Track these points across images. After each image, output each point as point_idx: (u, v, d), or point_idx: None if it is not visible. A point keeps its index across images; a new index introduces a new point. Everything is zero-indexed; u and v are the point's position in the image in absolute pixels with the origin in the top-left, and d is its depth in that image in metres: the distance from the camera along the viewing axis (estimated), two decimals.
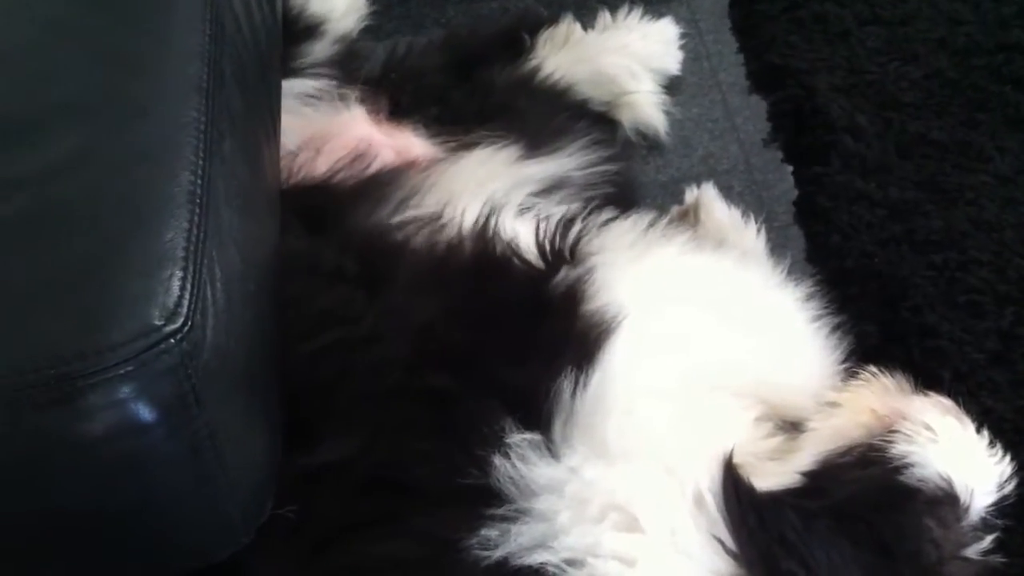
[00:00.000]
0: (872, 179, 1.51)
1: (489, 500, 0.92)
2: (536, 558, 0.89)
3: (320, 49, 1.47)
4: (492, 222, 1.12)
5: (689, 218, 1.49)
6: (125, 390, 0.71)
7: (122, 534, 0.80)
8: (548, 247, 1.10)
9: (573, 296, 1.03)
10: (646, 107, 1.61)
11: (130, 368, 0.71)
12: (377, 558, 0.93)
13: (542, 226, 1.13)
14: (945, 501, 0.97)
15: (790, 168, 1.61)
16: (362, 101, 1.41)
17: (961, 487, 0.97)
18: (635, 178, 1.54)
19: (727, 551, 0.90)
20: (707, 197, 1.50)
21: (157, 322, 0.72)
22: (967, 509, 0.98)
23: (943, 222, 1.48)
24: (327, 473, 0.97)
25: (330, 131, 1.33)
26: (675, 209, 1.52)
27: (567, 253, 1.10)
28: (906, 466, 0.97)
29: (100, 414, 0.71)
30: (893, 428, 1.00)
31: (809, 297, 1.21)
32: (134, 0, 0.92)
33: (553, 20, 1.62)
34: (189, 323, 0.73)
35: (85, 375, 0.70)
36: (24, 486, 0.74)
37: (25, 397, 0.69)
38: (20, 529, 0.77)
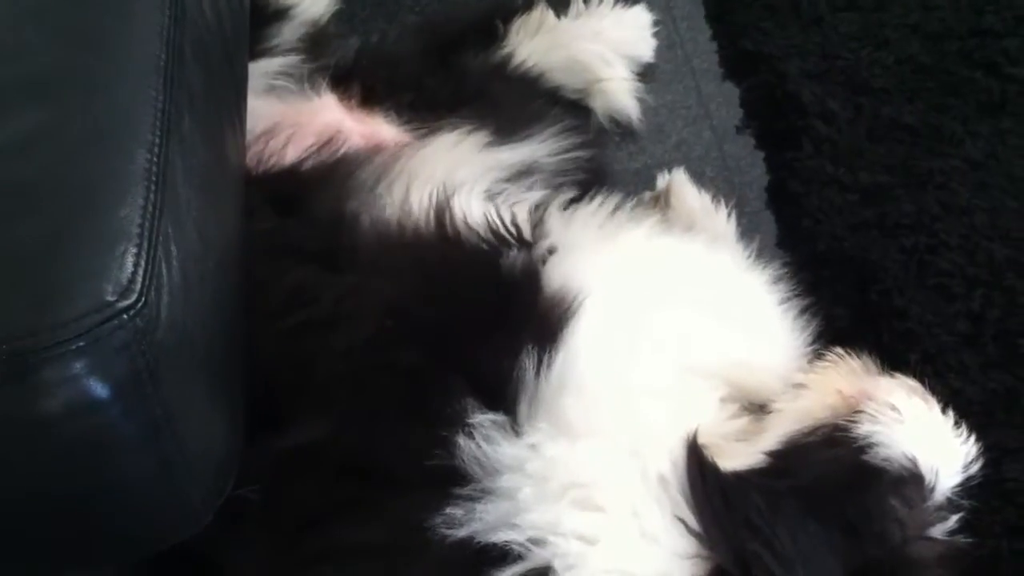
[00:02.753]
0: (843, 164, 1.53)
1: (455, 480, 0.93)
2: (501, 536, 0.90)
3: (289, 32, 1.47)
4: (458, 205, 1.13)
5: (661, 203, 1.50)
6: (78, 366, 0.70)
7: (78, 515, 0.80)
8: (514, 230, 1.11)
9: (537, 277, 1.05)
10: (619, 94, 1.62)
11: (83, 344, 0.70)
12: (350, 544, 0.94)
13: (509, 210, 1.14)
14: (910, 481, 0.98)
15: (763, 154, 1.63)
16: (333, 88, 1.41)
17: (926, 467, 0.99)
18: (608, 165, 1.54)
19: (691, 532, 0.92)
20: (678, 182, 1.52)
21: (110, 298, 0.71)
22: (932, 489, 0.99)
23: (914, 206, 1.49)
24: (299, 456, 0.98)
25: (300, 117, 1.33)
26: (647, 195, 1.54)
27: (532, 236, 1.11)
28: (871, 446, 0.98)
29: (53, 391, 0.70)
30: (859, 409, 1.02)
31: (777, 280, 1.22)
32: None
33: (527, 7, 1.62)
34: (143, 299, 0.73)
35: (37, 351, 0.69)
36: None
37: None
38: None
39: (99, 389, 0.71)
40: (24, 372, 0.69)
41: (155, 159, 0.80)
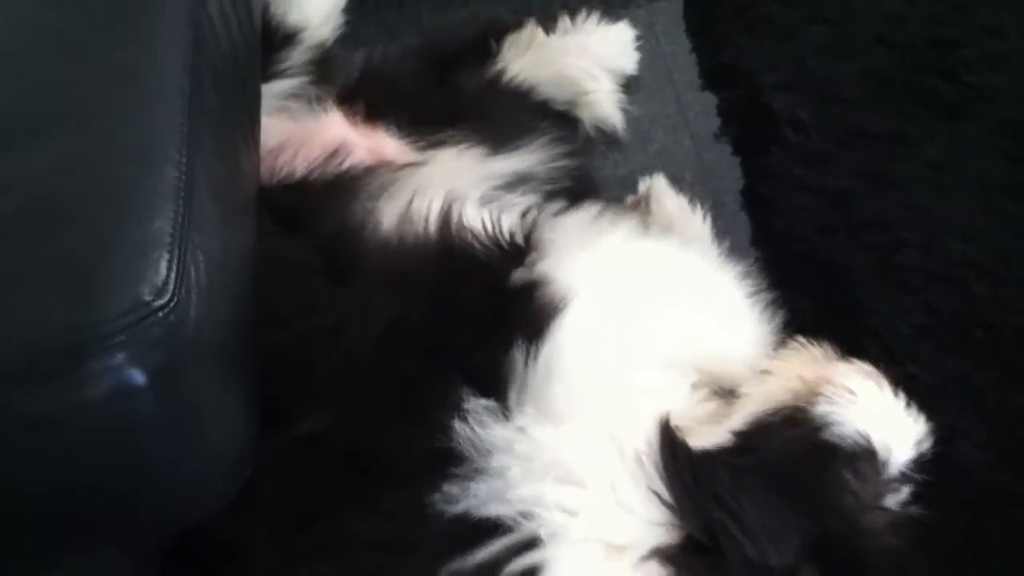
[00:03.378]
0: (812, 169, 1.57)
1: (451, 461, 0.98)
2: (493, 510, 0.96)
3: (298, 55, 1.53)
4: (456, 214, 1.17)
5: (642, 207, 1.55)
6: (120, 357, 0.77)
7: (116, 489, 0.86)
8: (508, 236, 1.16)
9: (528, 280, 1.10)
10: (605, 105, 1.67)
11: (124, 338, 0.77)
12: (352, 534, 0.99)
13: (503, 217, 1.19)
14: (863, 456, 1.03)
15: (738, 160, 1.67)
16: (339, 105, 1.45)
17: (879, 444, 1.04)
18: (594, 172, 1.59)
19: (664, 503, 0.97)
20: (658, 187, 1.57)
21: (147, 298, 0.78)
22: (885, 464, 1.04)
23: (876, 207, 1.53)
24: (304, 449, 1.03)
25: (309, 133, 1.38)
26: (629, 199, 1.59)
27: (524, 241, 1.16)
28: (827, 425, 1.04)
29: (100, 379, 0.77)
30: (818, 392, 1.07)
31: (747, 275, 1.27)
32: (122, 15, 0.96)
33: (518, 26, 1.67)
34: (175, 299, 0.79)
35: (86, 344, 0.76)
36: (36, 443, 0.79)
37: (38, 365, 0.76)
38: (30, 483, 0.83)
39: (137, 377, 0.78)
40: (75, 363, 0.76)
41: (182, 176, 0.86)
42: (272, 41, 1.50)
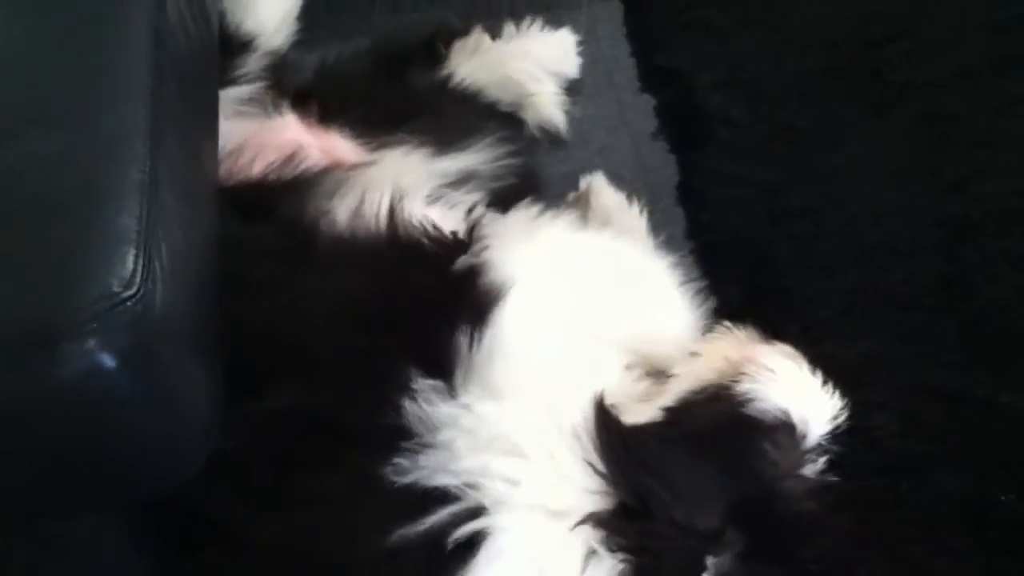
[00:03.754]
0: (742, 163, 1.63)
1: (401, 436, 1.03)
2: (440, 480, 1.01)
3: (254, 61, 1.58)
4: (404, 210, 1.22)
5: (583, 203, 1.61)
6: (92, 343, 0.82)
7: (93, 461, 0.91)
8: (452, 230, 1.21)
9: (471, 269, 1.15)
10: (548, 107, 1.73)
11: (95, 325, 0.82)
12: (313, 489, 1.04)
13: (448, 212, 1.25)
14: (782, 429, 1.10)
15: (675, 157, 1.72)
16: (294, 108, 1.49)
17: (797, 418, 1.10)
18: (538, 170, 1.64)
19: (598, 473, 1.02)
20: (597, 184, 1.62)
21: (116, 289, 0.83)
22: (803, 436, 1.11)
23: (801, 198, 1.60)
24: (271, 418, 1.08)
25: (265, 136, 1.42)
26: (571, 195, 1.64)
27: (469, 234, 1.21)
28: (749, 401, 1.10)
29: (73, 362, 0.81)
30: (741, 371, 1.13)
31: (678, 264, 1.33)
32: (86, 21, 1.00)
33: (465, 31, 1.72)
34: (142, 290, 0.84)
35: (59, 330, 0.81)
36: (14, 422, 0.83)
37: (15, 348, 0.80)
38: (12, 459, 0.88)
39: (108, 360, 0.83)
40: (48, 347, 0.81)
41: (146, 174, 0.90)
42: (229, 48, 1.54)
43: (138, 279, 0.85)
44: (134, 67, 0.98)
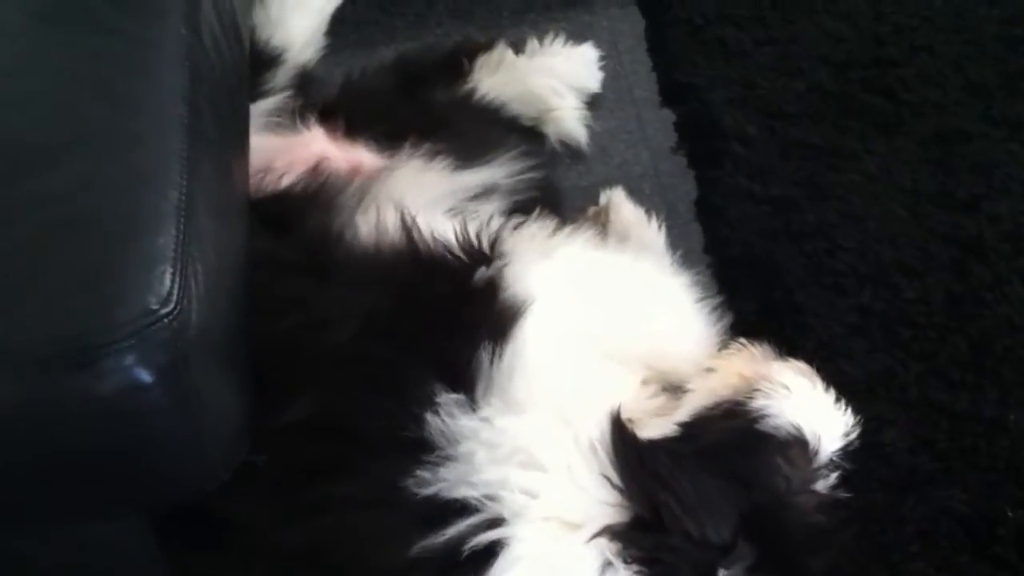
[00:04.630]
0: (757, 180, 1.65)
1: (424, 448, 1.05)
2: (460, 492, 1.03)
3: (282, 75, 1.61)
4: (426, 223, 1.23)
5: (602, 217, 1.62)
6: (130, 358, 0.85)
7: (127, 470, 0.94)
8: (473, 244, 1.22)
9: (492, 285, 1.16)
10: (569, 121, 1.75)
11: (133, 342, 0.85)
12: (336, 498, 1.06)
13: (469, 226, 1.24)
14: (795, 445, 1.11)
15: (693, 172, 1.74)
16: (320, 121, 1.52)
17: (810, 434, 1.11)
18: (559, 184, 1.66)
19: (614, 486, 1.04)
20: (616, 199, 1.65)
21: (154, 307, 0.86)
22: (816, 452, 1.12)
23: (815, 216, 1.61)
24: (294, 430, 1.09)
25: (293, 149, 1.44)
26: (591, 210, 1.66)
27: (489, 249, 1.22)
28: (763, 417, 1.11)
29: (111, 376, 0.85)
30: (756, 387, 1.14)
31: (695, 281, 1.35)
32: (127, 52, 1.03)
33: (488, 46, 1.75)
34: (178, 307, 0.87)
35: (100, 346, 0.84)
36: (54, 432, 0.88)
37: (56, 363, 0.84)
38: (50, 466, 0.91)
39: (145, 375, 0.86)
40: (90, 362, 0.84)
41: (183, 197, 0.94)
42: (257, 62, 1.58)
43: (175, 297, 0.88)
44: (171, 95, 1.02)
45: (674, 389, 1.22)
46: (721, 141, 1.72)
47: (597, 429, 1.08)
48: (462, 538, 1.02)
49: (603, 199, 1.67)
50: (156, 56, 1.05)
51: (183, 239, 0.93)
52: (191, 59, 1.06)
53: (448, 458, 1.06)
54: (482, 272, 1.19)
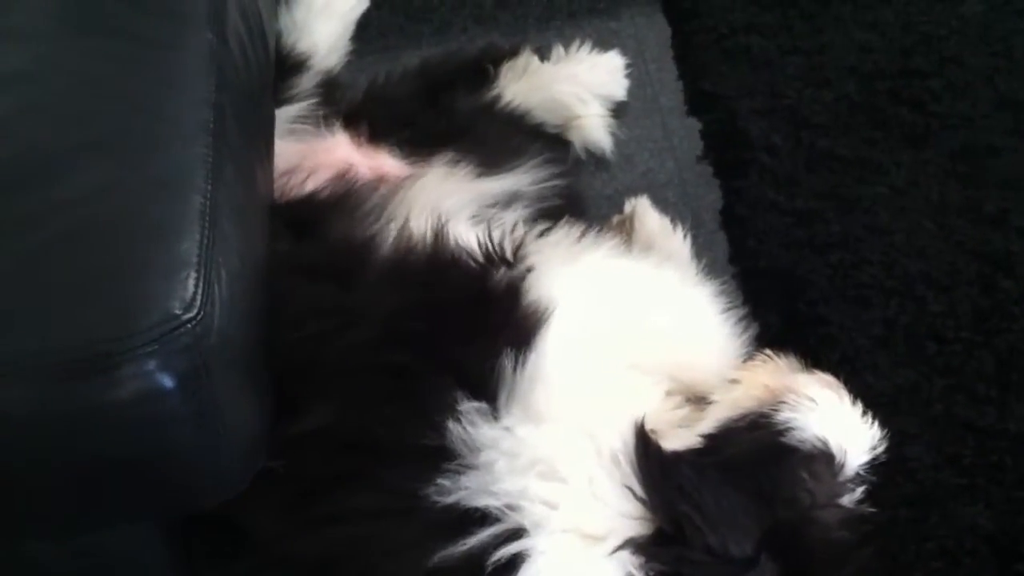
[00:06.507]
0: (783, 191, 1.64)
1: (444, 456, 1.05)
2: (481, 501, 1.02)
3: (307, 81, 1.61)
4: (450, 229, 1.23)
5: (627, 226, 1.62)
6: (152, 364, 0.85)
7: (145, 477, 0.94)
8: (496, 251, 1.21)
9: (514, 292, 1.16)
10: (594, 129, 1.75)
11: (155, 347, 0.85)
12: (353, 507, 1.06)
13: (492, 233, 1.24)
14: (820, 458, 1.10)
15: (718, 182, 1.74)
16: (345, 127, 1.53)
17: (835, 447, 1.11)
18: (583, 191, 1.66)
19: (636, 498, 1.04)
20: (642, 207, 1.64)
21: (177, 312, 0.87)
22: (841, 466, 1.11)
23: (841, 227, 1.61)
24: (311, 438, 1.09)
25: (317, 154, 1.45)
26: (615, 218, 1.65)
27: (511, 256, 1.21)
28: (788, 429, 1.11)
29: (132, 382, 0.85)
30: (781, 400, 1.14)
31: (720, 292, 1.34)
32: (153, 59, 1.04)
33: (514, 53, 1.75)
34: (202, 313, 0.88)
35: (122, 352, 0.84)
36: (73, 437, 0.87)
37: (77, 368, 0.84)
38: (67, 471, 0.91)
39: (166, 381, 0.86)
40: (111, 368, 0.84)
41: (207, 202, 0.95)
42: (283, 68, 1.59)
43: (198, 302, 0.89)
44: (196, 100, 1.03)
45: (698, 400, 1.21)
46: (747, 151, 1.71)
47: (620, 440, 1.08)
48: (482, 548, 1.01)
49: (628, 207, 1.67)
50: (180, 61, 1.06)
51: (207, 244, 0.93)
52: (216, 64, 1.07)
53: (469, 467, 1.05)
54: (503, 273, 1.18)
